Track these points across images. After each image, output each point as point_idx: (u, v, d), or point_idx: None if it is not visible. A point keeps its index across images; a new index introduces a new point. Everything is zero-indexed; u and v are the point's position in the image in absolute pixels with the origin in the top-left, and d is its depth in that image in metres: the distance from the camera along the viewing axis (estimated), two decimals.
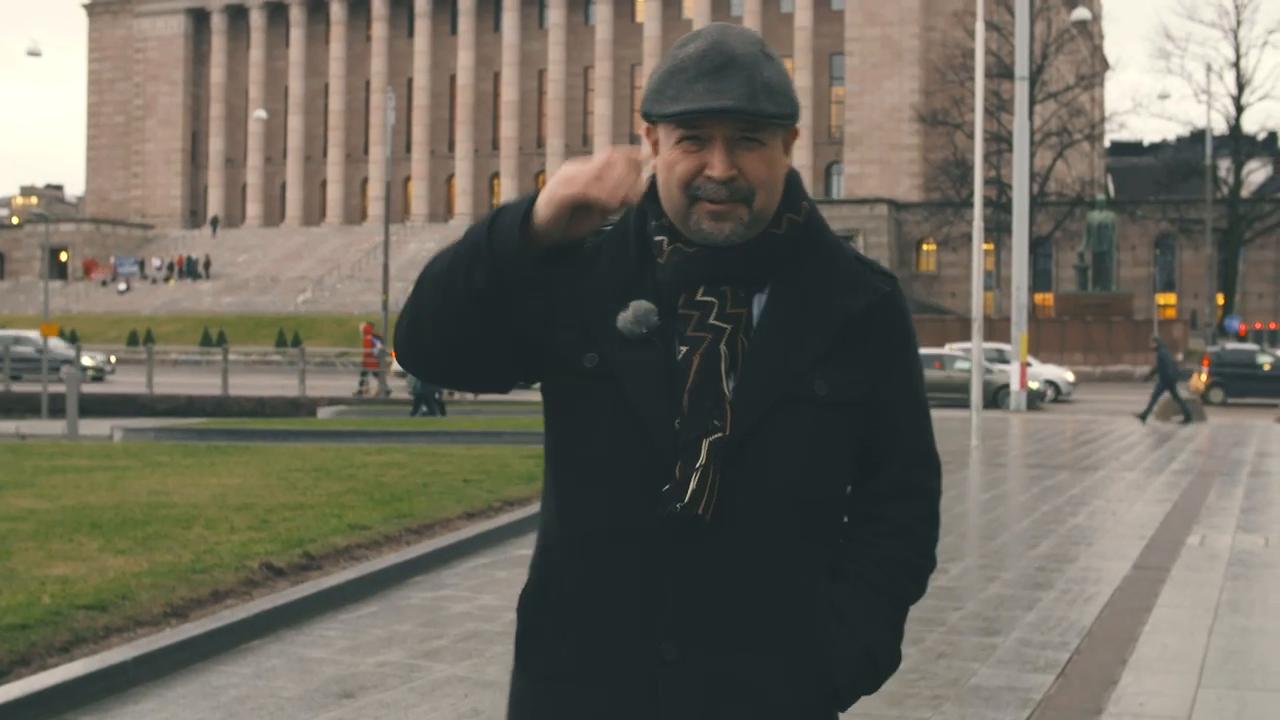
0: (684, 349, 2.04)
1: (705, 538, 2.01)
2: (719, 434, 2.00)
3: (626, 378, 2.04)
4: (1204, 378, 38.22)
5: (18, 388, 39.53)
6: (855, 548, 2.16)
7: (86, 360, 44.47)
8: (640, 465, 2.02)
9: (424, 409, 27.44)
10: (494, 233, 1.99)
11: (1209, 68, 64.78)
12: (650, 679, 2.02)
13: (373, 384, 38.45)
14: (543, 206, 1.98)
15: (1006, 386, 32.94)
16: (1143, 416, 27.69)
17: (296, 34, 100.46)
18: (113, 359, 49.27)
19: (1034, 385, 34.46)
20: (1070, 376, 40.56)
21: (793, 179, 2.13)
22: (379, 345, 38.87)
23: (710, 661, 2.02)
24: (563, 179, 1.97)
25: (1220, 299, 65.00)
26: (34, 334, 45.15)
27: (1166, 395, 28.20)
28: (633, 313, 2.05)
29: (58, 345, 44.98)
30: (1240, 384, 38.11)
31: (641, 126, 2.14)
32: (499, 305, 2.03)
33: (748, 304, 2.07)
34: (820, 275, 2.11)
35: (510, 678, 2.22)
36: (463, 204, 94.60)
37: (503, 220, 2.00)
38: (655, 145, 2.09)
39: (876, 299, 2.13)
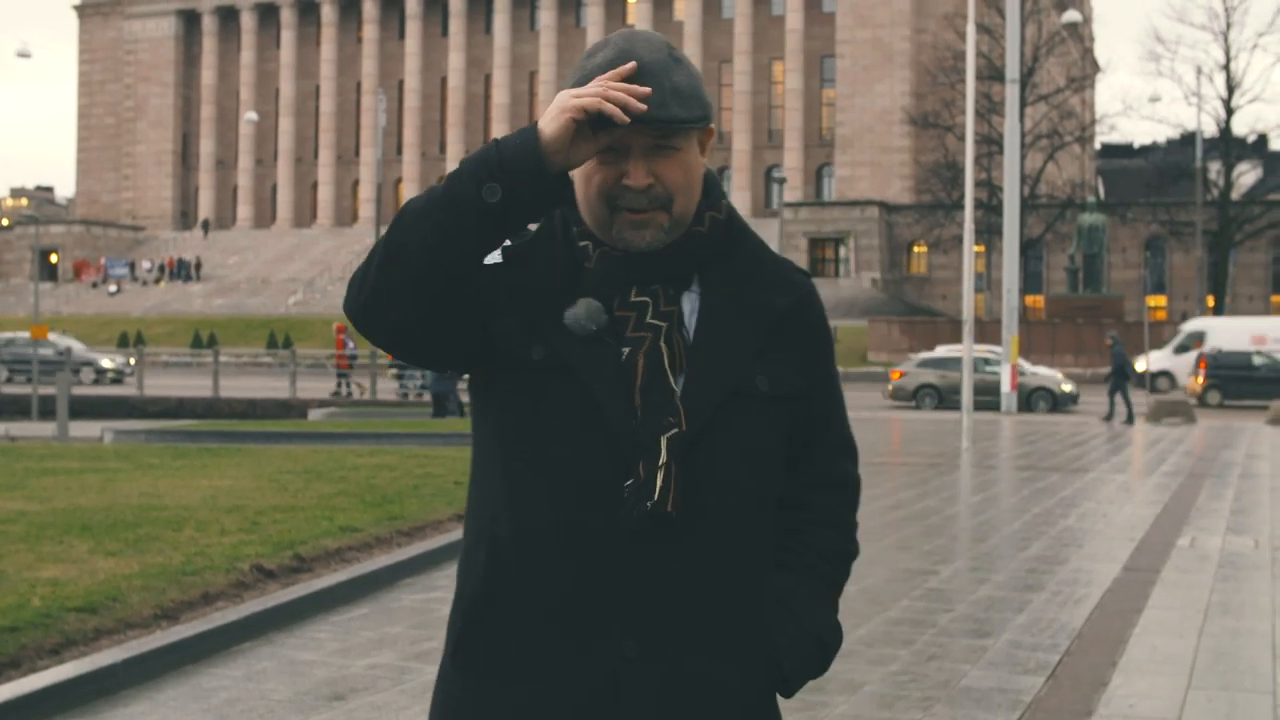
0: (626, 349, 2.06)
1: (666, 534, 2.02)
2: (675, 430, 2.02)
3: (588, 373, 2.05)
4: (1200, 380, 38.22)
5: (9, 389, 39.45)
6: (794, 537, 2.22)
7: (106, 363, 45.27)
8: (600, 461, 2.03)
9: (450, 410, 27.00)
10: (504, 151, 1.99)
11: (1199, 70, 64.84)
12: (610, 677, 2.02)
13: (359, 387, 38.34)
14: (549, 124, 1.98)
15: (1038, 390, 34.05)
16: (1129, 420, 27.84)
17: (287, 36, 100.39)
18: (131, 360, 49.24)
19: (1067, 388, 34.47)
20: (1061, 379, 40.56)
21: (710, 179, 2.17)
22: (350, 345, 38.80)
23: (670, 656, 2.04)
24: (568, 94, 1.99)
25: (1211, 301, 65.08)
26: (54, 337, 45.19)
27: (1158, 395, 28.33)
28: (584, 309, 2.06)
29: (78, 349, 45.40)
30: (1236, 385, 38.15)
31: None
32: (501, 229, 2.01)
33: (678, 301, 2.11)
34: (747, 273, 2.17)
35: (438, 676, 2.19)
36: None
37: (510, 141, 2.00)
38: None
39: (800, 295, 2.20)
